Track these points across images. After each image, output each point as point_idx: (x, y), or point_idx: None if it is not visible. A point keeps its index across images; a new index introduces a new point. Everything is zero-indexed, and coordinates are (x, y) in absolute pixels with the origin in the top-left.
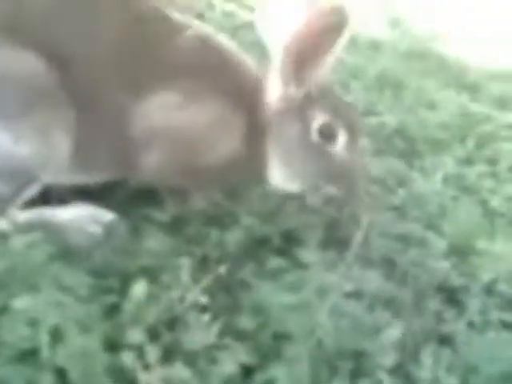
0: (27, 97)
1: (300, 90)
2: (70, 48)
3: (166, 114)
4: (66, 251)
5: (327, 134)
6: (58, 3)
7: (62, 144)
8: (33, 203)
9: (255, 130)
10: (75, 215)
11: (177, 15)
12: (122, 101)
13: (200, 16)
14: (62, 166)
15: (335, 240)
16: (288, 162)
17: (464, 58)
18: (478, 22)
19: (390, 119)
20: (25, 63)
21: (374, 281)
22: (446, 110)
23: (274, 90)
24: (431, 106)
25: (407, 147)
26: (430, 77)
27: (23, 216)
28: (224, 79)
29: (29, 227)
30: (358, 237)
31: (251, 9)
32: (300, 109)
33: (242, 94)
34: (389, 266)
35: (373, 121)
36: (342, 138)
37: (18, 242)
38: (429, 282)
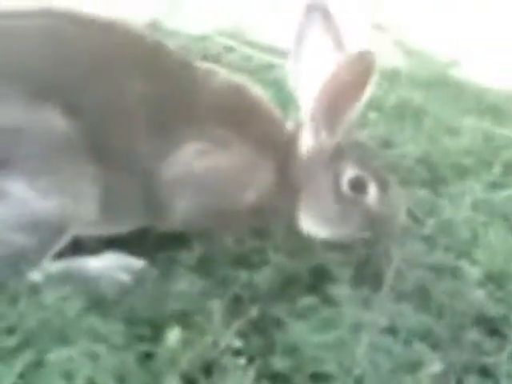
0: (50, 153)
1: (331, 138)
2: (96, 103)
3: (195, 162)
4: (98, 301)
5: (358, 187)
6: (80, 59)
7: (87, 198)
8: (62, 253)
9: (284, 178)
10: (105, 264)
11: (202, 63)
12: (152, 153)
13: (217, 59)
14: (89, 219)
15: (367, 275)
16: (319, 213)
17: (482, 81)
18: (493, 44)
19: (413, 148)
20: (47, 120)
21: (409, 314)
22: (469, 136)
23: (305, 140)
24: (453, 132)
25: (432, 175)
26: (449, 103)
27: (54, 267)
28: (253, 126)
29: (60, 279)
30: (391, 271)
31: (269, 51)
32: (330, 160)
33: (270, 141)
34: (423, 298)
35: (395, 151)
36: (372, 190)
37: (50, 295)
38: (466, 312)
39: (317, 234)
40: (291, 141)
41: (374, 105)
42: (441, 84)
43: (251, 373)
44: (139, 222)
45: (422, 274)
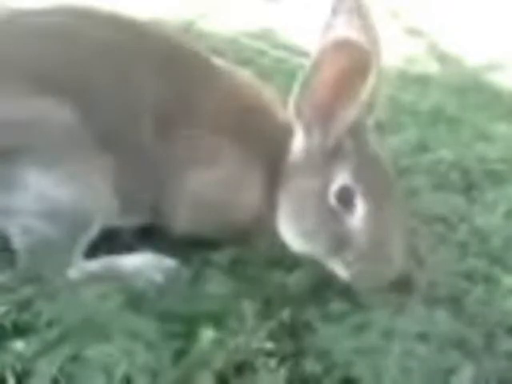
0: (60, 145)
1: (325, 140)
2: (103, 96)
3: (190, 181)
4: (133, 299)
5: (345, 200)
6: (90, 54)
7: (101, 188)
8: (98, 250)
9: (276, 183)
10: (138, 264)
11: (215, 60)
12: (155, 151)
13: (250, 62)
14: (106, 210)
15: (398, 281)
16: (298, 222)
17: None
18: None
19: (447, 154)
20: (56, 112)
21: (441, 321)
22: (503, 143)
23: (297, 139)
24: (488, 139)
25: (466, 182)
26: (484, 109)
27: (90, 265)
28: (250, 133)
29: (96, 276)
30: (423, 277)
31: (303, 54)
32: (322, 165)
33: (267, 146)
34: (455, 305)
35: (429, 157)
36: (361, 207)
37: (88, 292)
38: (499, 321)
39: (292, 245)
40: (287, 140)
41: (407, 110)
42: (475, 89)
43: (282, 374)
44: (150, 217)
45: (455, 280)
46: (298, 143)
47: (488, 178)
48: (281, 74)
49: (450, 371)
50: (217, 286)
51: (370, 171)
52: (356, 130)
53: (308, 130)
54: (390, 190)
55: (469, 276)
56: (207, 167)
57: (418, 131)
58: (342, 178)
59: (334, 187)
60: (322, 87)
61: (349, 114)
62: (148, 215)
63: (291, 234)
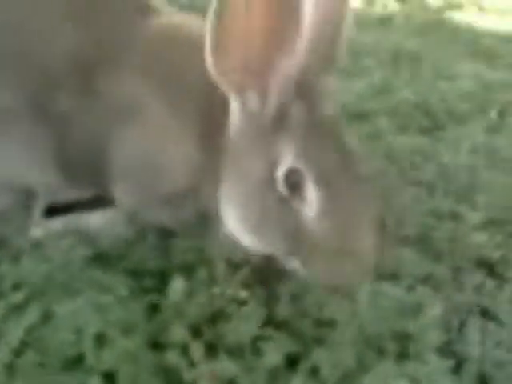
0: None
1: (265, 107)
2: (15, 58)
3: (116, 146)
4: (101, 254)
5: (294, 186)
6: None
7: (34, 162)
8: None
9: (212, 154)
10: (105, 220)
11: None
12: (82, 112)
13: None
14: (48, 183)
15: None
16: (246, 217)
17: (477, 24)
18: None
19: (409, 94)
20: None
21: (410, 259)
22: (465, 81)
23: (233, 108)
24: (450, 77)
25: (429, 121)
26: (445, 48)
27: (53, 224)
28: (184, 84)
29: (61, 234)
30: (391, 217)
31: None
32: (264, 140)
33: (205, 99)
34: (423, 243)
35: (391, 98)
36: (312, 192)
37: (53, 249)
38: (466, 256)
39: (243, 242)
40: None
41: (368, 52)
42: (436, 29)
43: (256, 321)
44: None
45: (422, 219)
46: (234, 113)
47: (451, 116)
48: None
49: (420, 308)
50: (185, 238)
51: (323, 146)
52: (306, 91)
53: (240, 94)
54: (350, 168)
55: (436, 214)
56: (134, 125)
57: (381, 73)
58: (289, 158)
59: (281, 170)
60: (241, 33)
61: (287, 65)
62: (95, 188)
63: (240, 230)
